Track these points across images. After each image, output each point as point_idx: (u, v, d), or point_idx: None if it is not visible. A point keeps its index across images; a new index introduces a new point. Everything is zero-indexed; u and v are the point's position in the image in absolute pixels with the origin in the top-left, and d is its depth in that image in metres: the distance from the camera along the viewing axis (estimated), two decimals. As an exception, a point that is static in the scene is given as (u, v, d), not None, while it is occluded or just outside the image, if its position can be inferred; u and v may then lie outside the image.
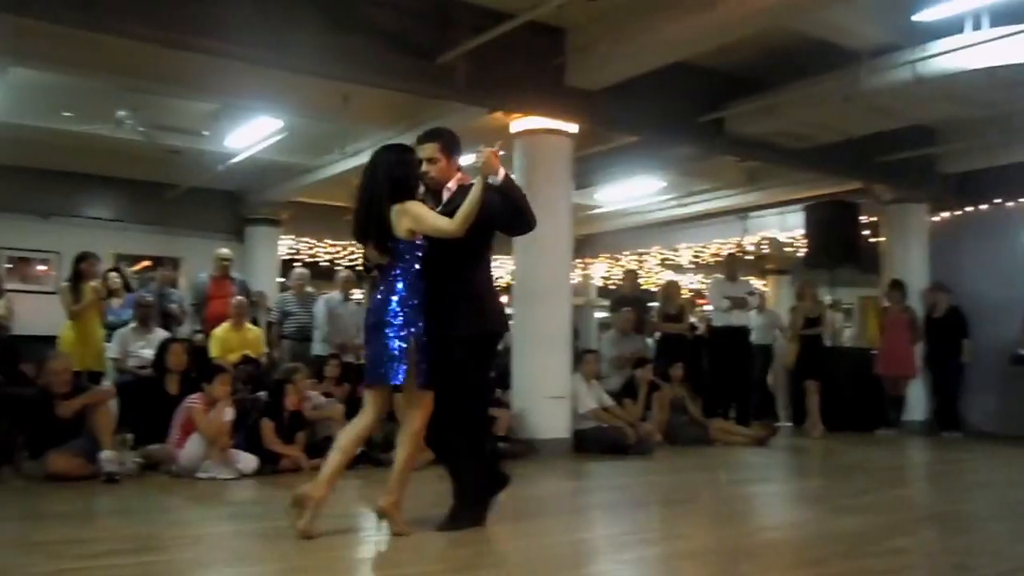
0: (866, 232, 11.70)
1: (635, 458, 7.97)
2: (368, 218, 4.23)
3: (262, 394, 7.16)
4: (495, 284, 4.63)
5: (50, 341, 7.91)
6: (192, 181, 11.69)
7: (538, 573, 3.85)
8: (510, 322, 6.75)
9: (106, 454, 5.79)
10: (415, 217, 4.15)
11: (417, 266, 4.21)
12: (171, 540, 4.13)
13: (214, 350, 8.15)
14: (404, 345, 4.09)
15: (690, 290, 15.91)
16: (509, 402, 8.19)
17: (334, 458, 4.19)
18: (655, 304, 11.36)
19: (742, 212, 13.60)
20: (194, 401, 6.29)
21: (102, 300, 8.05)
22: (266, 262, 12.91)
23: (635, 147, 10.27)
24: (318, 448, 6.75)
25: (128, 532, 4.47)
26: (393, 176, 4.22)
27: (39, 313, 9.56)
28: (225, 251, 9.47)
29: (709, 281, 12.93)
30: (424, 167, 4.36)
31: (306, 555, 3.87)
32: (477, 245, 4.33)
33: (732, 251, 12.92)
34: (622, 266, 15.50)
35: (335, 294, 9.30)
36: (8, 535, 4.55)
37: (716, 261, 14.23)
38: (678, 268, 15.73)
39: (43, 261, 11.83)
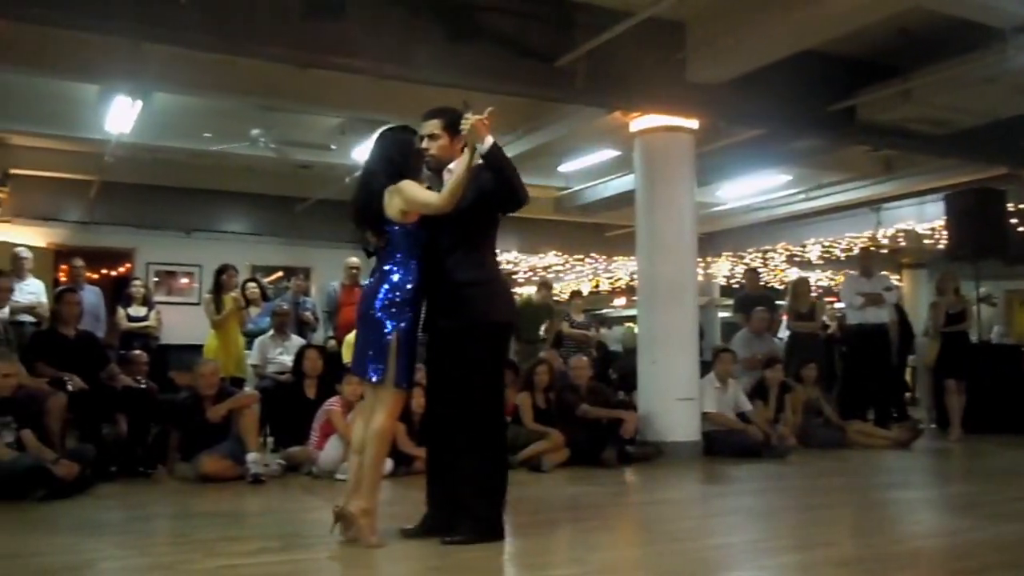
0: (1014, 221, 11.06)
1: (769, 461, 7.76)
2: (363, 200, 4.07)
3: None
4: (499, 270, 4.40)
5: (195, 350, 8.33)
6: (321, 194, 12.09)
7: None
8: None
9: (252, 456, 6.06)
10: (405, 196, 3.94)
11: (413, 252, 4.01)
12: (316, 539, 4.26)
13: (347, 355, 8.39)
14: (388, 339, 3.91)
15: (819, 287, 15.41)
16: (636, 404, 8.12)
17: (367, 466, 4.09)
18: (782, 303, 11.05)
19: (875, 204, 13.09)
20: (332, 404, 6.51)
21: (242, 309, 8.43)
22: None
23: (760, 140, 10.03)
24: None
25: (276, 531, 4.65)
26: (387, 156, 4.08)
27: (184, 323, 10.08)
28: (354, 260, 9.73)
29: (841, 277, 12.49)
30: (424, 143, 4.14)
31: (444, 555, 3.93)
32: (483, 226, 4.14)
33: (865, 245, 12.44)
34: (746, 264, 15.15)
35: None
36: (167, 533, 4.82)
37: (848, 256, 13.74)
38: (806, 264, 15.25)
39: (186, 274, 12.46)
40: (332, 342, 9.01)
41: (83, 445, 6.05)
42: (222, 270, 8.46)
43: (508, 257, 15.61)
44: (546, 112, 9.05)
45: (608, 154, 10.85)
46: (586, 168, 11.79)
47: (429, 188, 4.11)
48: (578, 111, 8.64)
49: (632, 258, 8.74)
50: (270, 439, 6.58)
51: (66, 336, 6.77)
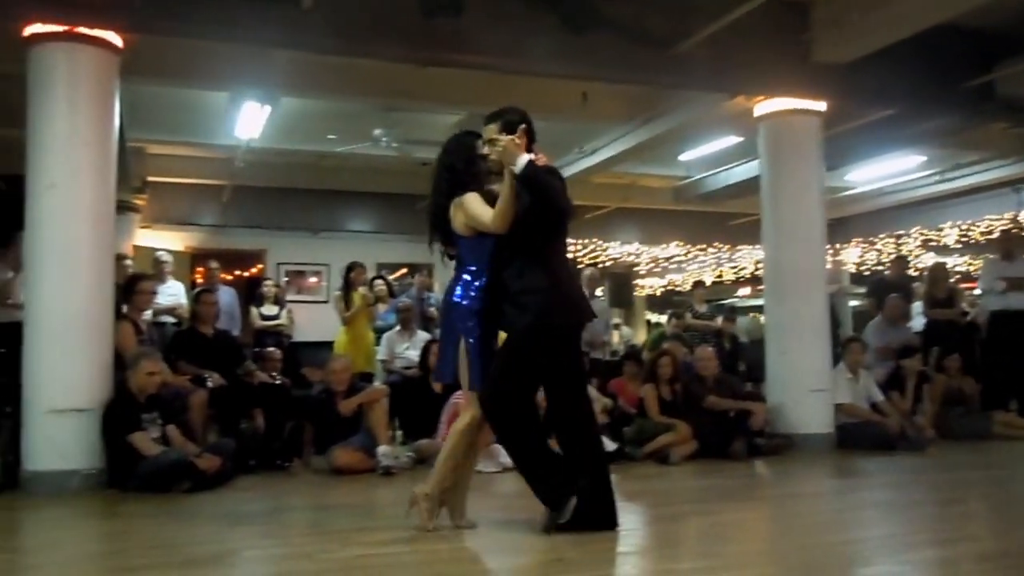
0: None
1: (905, 454, 7.43)
2: (433, 213, 4.13)
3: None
4: (567, 274, 4.35)
5: (326, 346, 8.59)
6: (441, 190, 12.26)
7: (814, 573, 3.67)
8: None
9: (383, 449, 6.21)
10: (467, 212, 3.97)
11: (482, 263, 4.04)
12: (448, 531, 4.32)
13: (471, 350, 8.50)
14: (471, 345, 4.02)
15: (957, 273, 14.67)
16: (764, 396, 7.93)
17: (442, 458, 4.21)
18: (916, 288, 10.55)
19: (1016, 184, 12.36)
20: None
21: (370, 306, 8.64)
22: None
23: (891, 121, 9.59)
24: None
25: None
26: (449, 165, 4.09)
27: (314, 321, 10.41)
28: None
29: (980, 262, 11.85)
30: (486, 150, 4.09)
31: (573, 547, 3.93)
32: (540, 237, 4.06)
33: (1006, 227, 11.76)
34: (878, 250, 14.56)
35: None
36: (304, 523, 4.98)
37: (987, 239, 13.02)
38: (943, 249, 14.54)
39: (315, 273, 12.86)
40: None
41: (224, 439, 6.32)
42: (350, 268, 8.69)
43: (629, 249, 15.48)
44: (665, 100, 8.92)
45: (730, 141, 10.60)
46: (707, 156, 11.56)
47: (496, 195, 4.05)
48: (699, 98, 8.47)
49: (757, 247, 8.49)
50: (399, 432, 6.71)
51: (205, 335, 7.09)
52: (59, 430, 5.65)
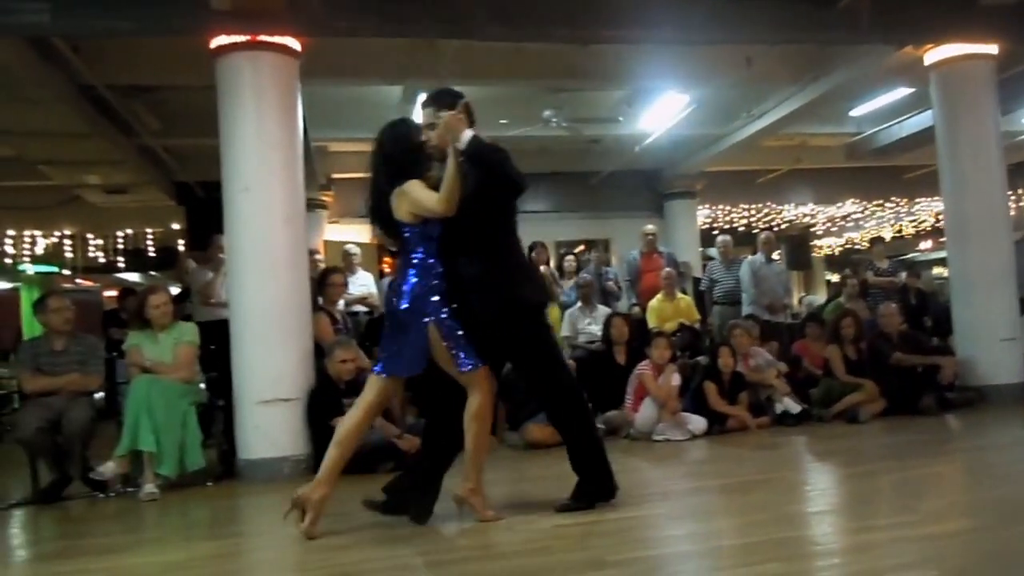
0: None
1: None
2: (373, 204, 3.97)
3: (702, 358, 7.38)
4: (521, 255, 4.23)
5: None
6: (612, 166, 12.32)
7: (1011, 524, 3.51)
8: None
9: (572, 423, 6.36)
10: (411, 199, 3.82)
11: (430, 252, 3.87)
12: (641, 497, 4.40)
13: (651, 320, 8.55)
14: (422, 334, 3.81)
15: None
16: (954, 349, 7.60)
17: (332, 453, 3.97)
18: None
19: None
20: (643, 368, 6.69)
21: (555, 284, 8.80)
22: (687, 233, 13.23)
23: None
24: (761, 408, 6.85)
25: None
26: (387, 155, 3.92)
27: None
28: (650, 227, 9.84)
29: None
30: (424, 135, 3.94)
31: (764, 509, 3.95)
32: (491, 217, 3.93)
33: None
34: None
35: (758, 256, 9.24)
36: (504, 495, 5.15)
37: None
38: None
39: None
40: (636, 308, 9.19)
41: (421, 421, 6.62)
42: (531, 247, 8.89)
43: (804, 210, 15.00)
44: (831, 57, 8.60)
45: (901, 92, 10.08)
46: (878, 110, 11.03)
47: (440, 180, 3.87)
48: (866, 52, 8.11)
49: (936, 198, 8.08)
50: (590, 404, 6.85)
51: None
52: (268, 419, 5.98)
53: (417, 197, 3.80)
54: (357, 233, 12.07)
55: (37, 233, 13.44)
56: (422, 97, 8.49)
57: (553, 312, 8.65)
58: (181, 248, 12.92)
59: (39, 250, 13.53)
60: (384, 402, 4.14)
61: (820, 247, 17.10)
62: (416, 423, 6.47)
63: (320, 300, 7.01)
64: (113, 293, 11.35)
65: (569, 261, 9.56)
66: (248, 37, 6.07)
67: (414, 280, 3.85)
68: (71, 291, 9.54)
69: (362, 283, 9.04)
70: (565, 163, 12.50)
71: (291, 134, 6.28)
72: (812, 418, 6.87)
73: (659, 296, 8.79)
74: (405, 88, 8.77)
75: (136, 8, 6.00)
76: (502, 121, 10.40)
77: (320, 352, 6.37)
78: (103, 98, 8.50)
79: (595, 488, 4.12)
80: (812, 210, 15.16)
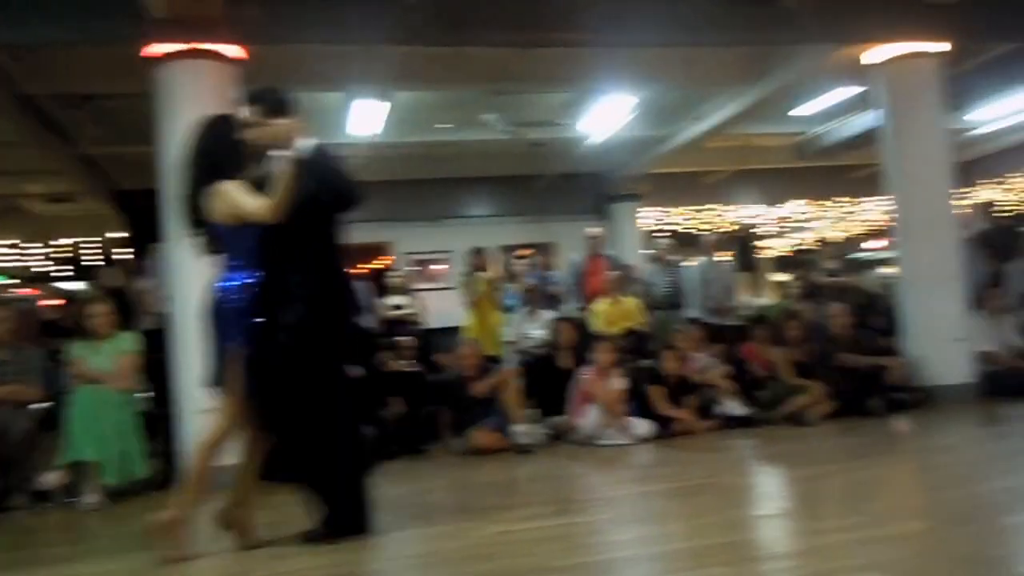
0: None
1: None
2: (185, 202, 3.79)
3: (647, 362, 7.40)
4: (344, 266, 4.04)
5: (455, 332, 8.79)
6: (556, 169, 12.33)
7: (961, 524, 3.58)
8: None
9: (518, 427, 6.37)
10: (228, 203, 3.64)
11: (249, 255, 3.70)
12: (587, 503, 4.43)
13: (597, 323, 8.55)
14: (229, 347, 3.66)
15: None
16: (899, 349, 7.70)
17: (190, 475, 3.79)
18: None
19: None
20: (586, 373, 6.69)
21: (495, 290, 8.79)
22: (631, 235, 13.31)
23: (1015, 55, 9.07)
24: (708, 411, 6.89)
25: (547, 497, 4.88)
26: (204, 151, 3.77)
27: (442, 307, 10.66)
28: (595, 230, 9.86)
29: None
30: (246, 134, 3.79)
31: (711, 513, 3.96)
32: (313, 226, 3.78)
33: None
34: (1010, 190, 13.76)
35: (703, 259, 9.31)
36: (449, 502, 5.17)
37: None
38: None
39: (439, 260, 13.15)
40: (582, 312, 9.20)
41: (364, 427, 6.56)
42: (472, 253, 8.87)
43: (749, 213, 15.18)
44: (774, 56, 8.70)
45: (849, 92, 10.25)
46: (826, 110, 11.19)
47: (257, 180, 3.74)
48: (808, 52, 8.23)
49: (884, 197, 8.21)
50: (536, 410, 6.86)
51: (342, 328, 7.36)
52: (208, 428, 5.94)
53: (237, 200, 3.62)
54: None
55: None
56: (360, 100, 8.55)
57: (494, 318, 8.63)
58: (123, 256, 12.67)
59: None
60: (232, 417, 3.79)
61: (766, 248, 17.32)
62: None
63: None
64: (53, 302, 11.15)
65: (520, 265, 9.54)
66: (187, 46, 6.04)
67: (224, 287, 3.68)
68: (9, 300, 9.35)
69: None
70: (508, 167, 12.49)
71: None
72: (759, 421, 6.92)
73: (605, 299, 8.80)
74: (346, 94, 8.70)
75: (75, 17, 5.98)
76: (442, 125, 10.37)
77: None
78: (40, 108, 8.41)
79: (343, 523, 3.89)
80: (758, 211, 15.35)
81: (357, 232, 12.47)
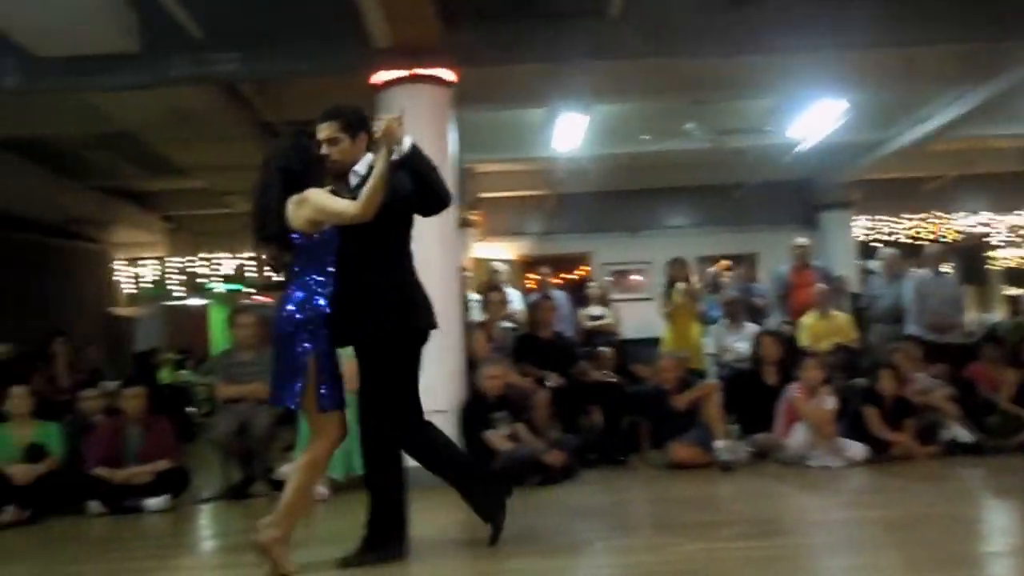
0: None
1: None
2: (262, 216, 3.76)
3: (860, 381, 7.04)
4: (416, 275, 3.96)
5: (652, 343, 8.73)
6: (759, 177, 11.99)
7: None
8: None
9: (720, 443, 6.23)
10: (315, 206, 3.63)
11: (324, 264, 3.71)
12: (793, 525, 4.27)
13: (803, 338, 8.23)
14: (303, 360, 3.64)
15: None
16: None
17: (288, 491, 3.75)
18: None
19: None
20: (794, 390, 6.45)
21: (694, 301, 8.65)
22: (842, 245, 12.71)
23: None
24: (929, 435, 6.44)
25: (752, 516, 4.74)
26: (284, 166, 3.76)
27: (639, 318, 10.63)
28: (802, 240, 9.50)
29: None
30: (324, 150, 3.80)
31: (931, 546, 3.73)
32: (395, 230, 3.78)
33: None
34: None
35: (923, 271, 8.75)
36: (649, 517, 5.14)
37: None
38: None
39: (637, 271, 13.11)
40: (787, 327, 8.89)
41: (567, 436, 6.65)
42: (671, 263, 8.77)
43: (976, 220, 14.14)
44: (1003, 57, 8.05)
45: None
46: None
47: (336, 195, 3.78)
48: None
49: None
50: (736, 426, 6.69)
51: (543, 338, 7.51)
52: None
53: (324, 202, 3.65)
54: (503, 250, 12.27)
55: (224, 255, 14.69)
56: (564, 115, 8.69)
57: (695, 328, 8.49)
58: None
59: (225, 270, 14.72)
60: (334, 435, 3.85)
61: (997, 259, 16.04)
62: (563, 438, 6.51)
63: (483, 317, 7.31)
64: None
65: (722, 276, 9.36)
66: (407, 72, 6.40)
67: (298, 301, 3.69)
68: (255, 307, 10.26)
69: (509, 300, 9.16)
70: (708, 176, 12.27)
71: (443, 161, 6.47)
72: (989, 449, 6.40)
73: (813, 313, 8.45)
74: (549, 109, 8.87)
75: (311, 51, 6.59)
76: (643, 137, 10.33)
77: (475, 367, 6.57)
78: (278, 134, 9.12)
79: (383, 544, 3.85)
80: (987, 219, 14.26)
81: (557, 243, 12.89)
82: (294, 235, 3.68)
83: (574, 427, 6.94)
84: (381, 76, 6.44)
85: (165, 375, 10.58)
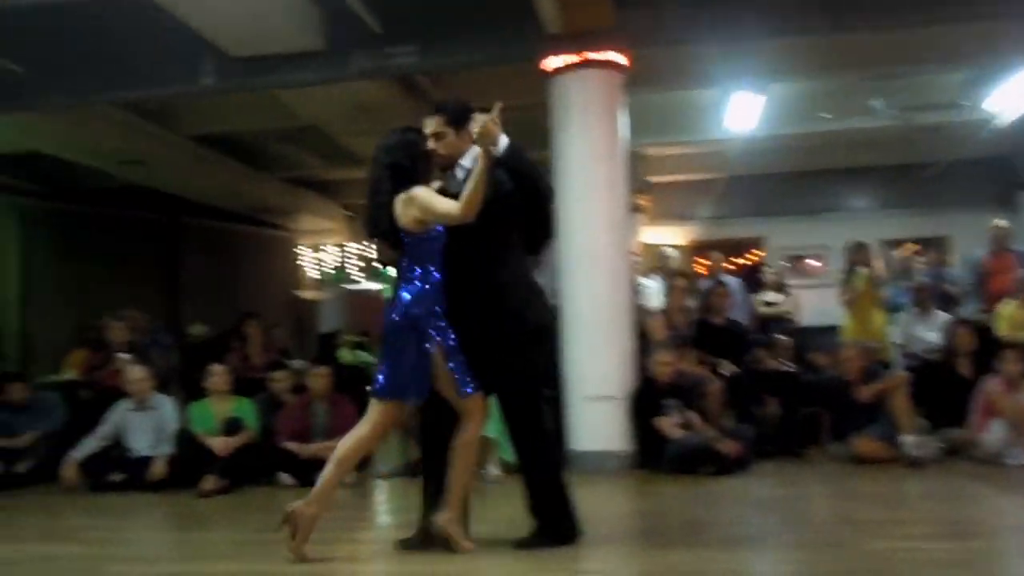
0: None
1: None
2: (372, 212, 3.79)
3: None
4: (528, 272, 3.93)
5: (831, 331, 8.37)
6: (951, 155, 11.23)
7: None
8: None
9: (908, 438, 5.91)
10: (421, 205, 3.64)
11: (433, 262, 3.72)
12: (987, 528, 4.01)
13: (1001, 328, 7.67)
14: (426, 353, 3.64)
15: None
16: None
17: (329, 471, 3.75)
18: None
19: None
20: (992, 383, 6.03)
21: (877, 288, 8.22)
22: (1049, 228, 11.74)
23: None
24: None
25: (940, 517, 4.49)
26: (392, 163, 3.75)
27: (817, 305, 10.22)
28: (1000, 222, 8.84)
29: None
30: (431, 144, 3.79)
31: None
32: (499, 227, 3.73)
33: None
34: None
35: None
36: (830, 512, 4.95)
37: None
38: None
39: (814, 256, 12.60)
40: (983, 315, 8.31)
41: (742, 425, 6.50)
42: (852, 248, 8.37)
43: None
44: None
45: None
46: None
47: (443, 189, 3.78)
48: None
49: None
50: (925, 420, 6.33)
51: (717, 325, 7.36)
52: (595, 415, 6.30)
53: (430, 203, 3.67)
54: (673, 236, 12.09)
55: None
56: (738, 95, 8.45)
57: (878, 316, 8.07)
58: None
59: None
60: (388, 427, 3.94)
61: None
62: (738, 427, 6.39)
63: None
64: None
65: (912, 261, 8.86)
66: (578, 57, 6.43)
67: (411, 295, 3.70)
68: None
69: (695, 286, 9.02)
70: (893, 155, 11.55)
71: (614, 145, 6.61)
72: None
73: (1011, 301, 7.85)
74: (721, 90, 8.64)
75: (485, 41, 6.70)
76: (823, 115, 9.90)
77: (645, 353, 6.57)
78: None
79: (553, 532, 3.82)
80: None
81: (728, 227, 12.57)
82: (403, 233, 3.74)
83: (748, 417, 6.78)
84: (553, 63, 6.49)
85: (345, 356, 11.06)
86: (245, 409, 6.46)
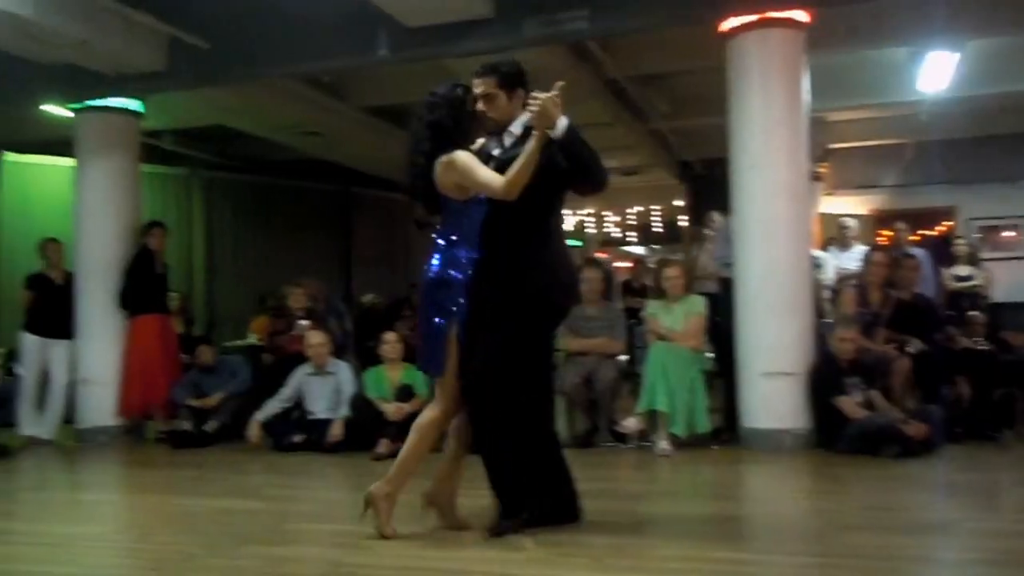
0: None
1: None
2: (410, 172, 3.62)
3: None
4: (565, 251, 3.80)
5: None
6: None
7: None
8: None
9: None
10: (462, 171, 3.47)
11: (470, 230, 3.57)
12: None
13: None
14: (442, 325, 3.53)
15: None
16: None
17: (406, 451, 3.65)
18: None
19: None
20: None
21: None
22: None
23: None
24: None
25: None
26: (435, 122, 3.56)
27: (1014, 280, 9.49)
28: None
29: None
30: (480, 106, 3.60)
31: None
32: (543, 206, 3.60)
33: None
34: None
35: None
36: (1019, 499, 4.60)
37: None
38: None
39: (1012, 227, 11.68)
40: None
41: (930, 406, 6.10)
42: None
43: None
44: None
45: None
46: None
47: (484, 150, 3.65)
48: None
49: None
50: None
51: (902, 300, 6.89)
52: (771, 391, 6.10)
53: (473, 172, 3.47)
54: (853, 205, 11.52)
55: (566, 212, 15.35)
56: (930, 54, 7.86)
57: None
58: (684, 223, 13.77)
59: (567, 226, 15.42)
60: (454, 402, 3.62)
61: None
62: (925, 408, 6.03)
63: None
64: (625, 264, 12.65)
65: None
66: (757, 16, 6.16)
67: (438, 265, 3.58)
68: (600, 261, 10.56)
69: (858, 258, 8.61)
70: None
71: (795, 110, 6.31)
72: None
73: None
74: (912, 49, 8.11)
75: (659, 2, 6.39)
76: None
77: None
78: (622, 89, 9.32)
79: (514, 514, 3.59)
80: None
81: (915, 196, 11.86)
82: (444, 198, 3.59)
83: (936, 398, 6.35)
84: (730, 23, 6.24)
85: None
86: (415, 376, 6.60)
